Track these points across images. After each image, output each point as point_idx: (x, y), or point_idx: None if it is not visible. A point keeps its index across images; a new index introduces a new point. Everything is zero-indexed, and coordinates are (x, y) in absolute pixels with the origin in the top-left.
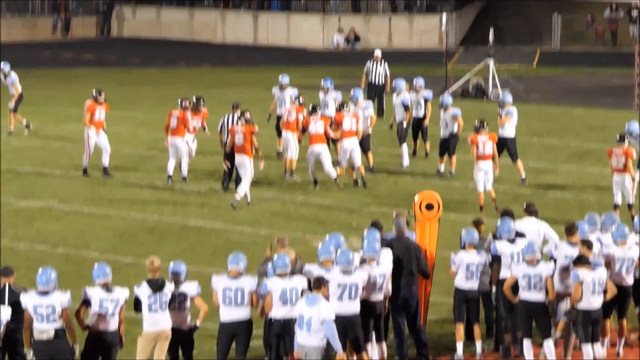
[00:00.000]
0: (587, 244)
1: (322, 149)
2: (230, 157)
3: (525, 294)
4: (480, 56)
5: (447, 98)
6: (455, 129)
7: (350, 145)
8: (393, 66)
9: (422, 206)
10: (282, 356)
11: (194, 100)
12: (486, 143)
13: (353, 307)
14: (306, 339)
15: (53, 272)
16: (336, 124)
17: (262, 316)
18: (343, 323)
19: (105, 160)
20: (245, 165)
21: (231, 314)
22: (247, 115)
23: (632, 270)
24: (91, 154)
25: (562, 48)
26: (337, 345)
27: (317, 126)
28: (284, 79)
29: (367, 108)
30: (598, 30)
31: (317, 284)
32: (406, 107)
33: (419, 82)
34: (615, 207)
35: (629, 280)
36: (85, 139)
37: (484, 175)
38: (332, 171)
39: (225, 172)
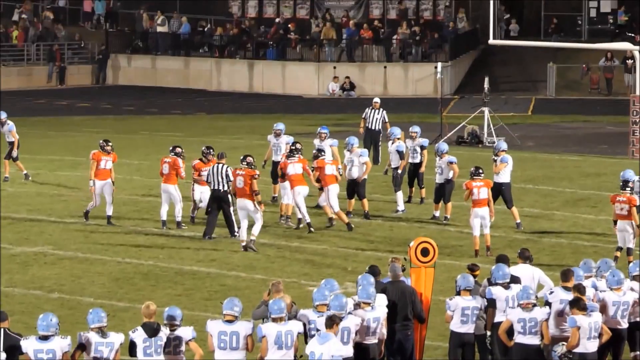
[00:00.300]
0: (579, 289)
1: (302, 190)
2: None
3: (520, 338)
4: (475, 104)
5: (443, 145)
6: (451, 175)
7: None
8: (388, 113)
9: (418, 251)
10: None
11: (204, 149)
12: (481, 189)
13: (346, 351)
14: None
15: (54, 317)
16: (317, 170)
17: None
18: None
19: (109, 210)
20: (249, 208)
21: (226, 357)
22: (249, 159)
23: (626, 315)
24: (98, 204)
25: (557, 96)
26: None
27: (295, 168)
28: (279, 126)
29: (362, 155)
30: (593, 79)
31: (330, 323)
32: (401, 155)
33: (415, 129)
34: (619, 249)
35: (623, 325)
36: (90, 190)
37: (481, 221)
38: (306, 215)
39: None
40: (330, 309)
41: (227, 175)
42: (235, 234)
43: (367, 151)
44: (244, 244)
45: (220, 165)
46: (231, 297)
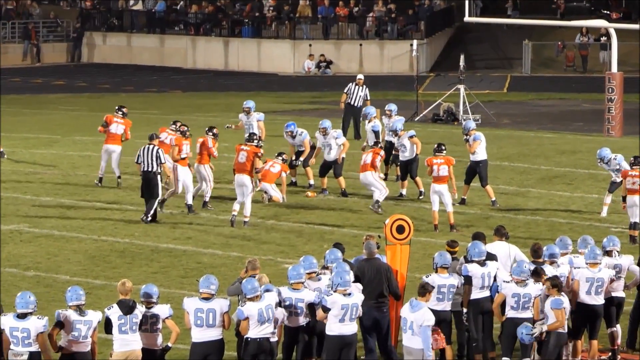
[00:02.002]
0: (538, 272)
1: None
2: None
3: (512, 313)
4: (450, 82)
5: (397, 123)
6: (415, 151)
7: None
8: None
9: (393, 228)
10: None
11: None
12: (441, 166)
13: (352, 328)
14: (410, 341)
15: (32, 296)
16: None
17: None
18: (342, 344)
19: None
20: (247, 184)
21: (203, 334)
22: (256, 136)
23: (601, 291)
24: (103, 167)
25: (533, 74)
26: (429, 352)
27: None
28: (248, 104)
29: (339, 137)
30: (569, 56)
31: (423, 291)
32: (377, 134)
33: (391, 107)
34: (632, 226)
35: (599, 301)
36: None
37: (439, 197)
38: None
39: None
40: (335, 286)
41: (157, 157)
42: (148, 218)
43: (341, 132)
44: (233, 217)
45: (151, 147)
46: (207, 275)
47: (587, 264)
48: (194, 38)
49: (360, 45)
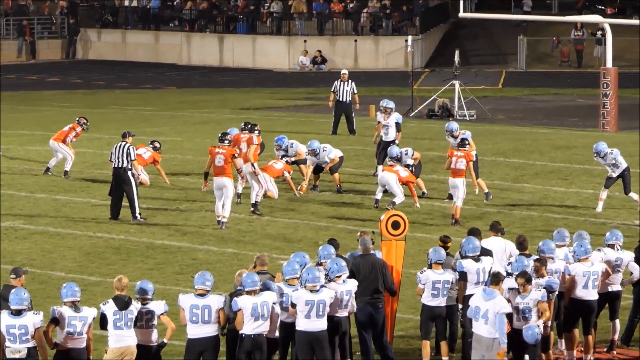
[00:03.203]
0: (497, 277)
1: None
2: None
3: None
4: (445, 77)
5: (390, 102)
6: (394, 136)
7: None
8: (359, 87)
9: (389, 224)
10: None
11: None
12: (460, 159)
13: (320, 324)
14: (480, 329)
15: (26, 292)
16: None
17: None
18: (310, 340)
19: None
20: (227, 187)
21: (199, 331)
22: (229, 137)
23: (596, 285)
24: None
25: (528, 69)
26: (503, 339)
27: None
28: (390, 104)
29: (330, 153)
30: (564, 52)
31: (496, 280)
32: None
33: (390, 105)
34: None
35: (594, 296)
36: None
37: (454, 191)
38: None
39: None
40: (305, 282)
41: (128, 154)
42: (137, 216)
43: (330, 146)
44: (219, 218)
45: (123, 144)
46: (203, 271)
47: (579, 260)
48: (189, 34)
49: (355, 41)
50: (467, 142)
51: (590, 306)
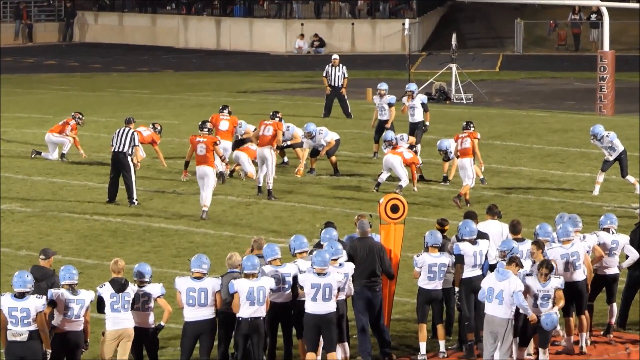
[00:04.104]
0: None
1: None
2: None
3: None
4: (442, 61)
5: (383, 84)
6: (422, 117)
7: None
8: (356, 70)
9: (388, 208)
10: (249, 356)
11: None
12: (465, 139)
13: (327, 307)
14: (495, 310)
15: (30, 275)
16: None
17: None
18: (317, 322)
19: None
20: (209, 175)
21: (195, 314)
22: (209, 125)
23: (579, 265)
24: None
25: (525, 52)
26: (529, 311)
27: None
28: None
29: (326, 135)
30: (561, 35)
31: (510, 261)
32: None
33: (383, 86)
34: None
35: (579, 277)
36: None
37: (462, 172)
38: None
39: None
40: (312, 265)
41: (132, 139)
42: (134, 201)
43: (326, 129)
44: (205, 209)
45: (126, 129)
46: (199, 254)
47: (560, 241)
48: (186, 17)
49: (353, 24)
50: (471, 125)
51: (577, 287)
